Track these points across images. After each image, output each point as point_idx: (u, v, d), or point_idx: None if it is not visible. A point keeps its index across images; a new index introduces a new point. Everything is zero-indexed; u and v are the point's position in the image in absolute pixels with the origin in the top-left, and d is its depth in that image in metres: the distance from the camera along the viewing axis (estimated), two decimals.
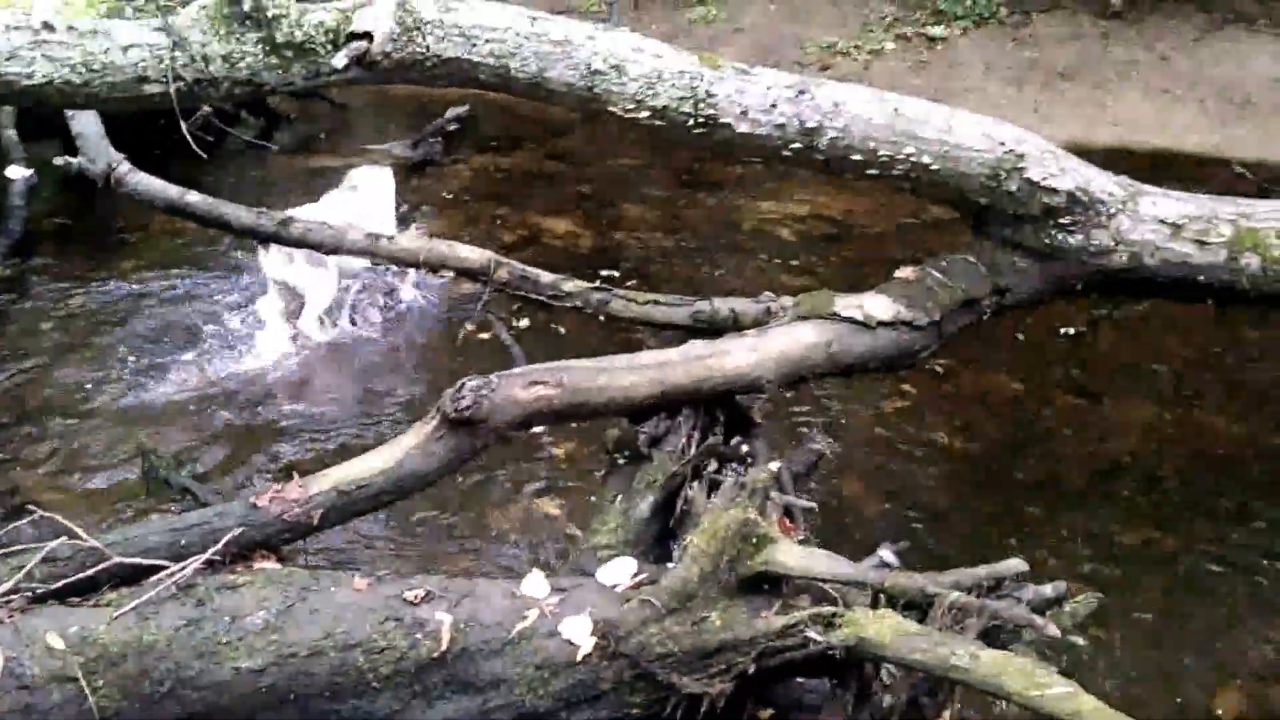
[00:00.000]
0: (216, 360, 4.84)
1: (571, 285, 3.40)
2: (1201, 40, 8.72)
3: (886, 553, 2.67)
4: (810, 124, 3.22)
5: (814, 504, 2.89)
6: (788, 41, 10.16)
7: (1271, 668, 3.10)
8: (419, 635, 2.34)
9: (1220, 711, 2.97)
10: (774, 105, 3.21)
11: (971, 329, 4.95)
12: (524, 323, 5.10)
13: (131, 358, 4.83)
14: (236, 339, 5.07)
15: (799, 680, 2.51)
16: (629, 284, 5.58)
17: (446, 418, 2.59)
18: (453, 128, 8.28)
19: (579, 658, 2.36)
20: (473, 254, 3.41)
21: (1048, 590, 2.29)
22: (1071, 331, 5.11)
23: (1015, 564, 2.31)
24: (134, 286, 5.56)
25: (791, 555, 2.33)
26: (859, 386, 4.52)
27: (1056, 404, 4.56)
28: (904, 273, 3.40)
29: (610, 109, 3.22)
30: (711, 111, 3.22)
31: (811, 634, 2.18)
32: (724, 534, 2.36)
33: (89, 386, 4.60)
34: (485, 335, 4.75)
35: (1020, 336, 5.10)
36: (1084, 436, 4.29)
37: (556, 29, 3.17)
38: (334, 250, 3.54)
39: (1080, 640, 2.25)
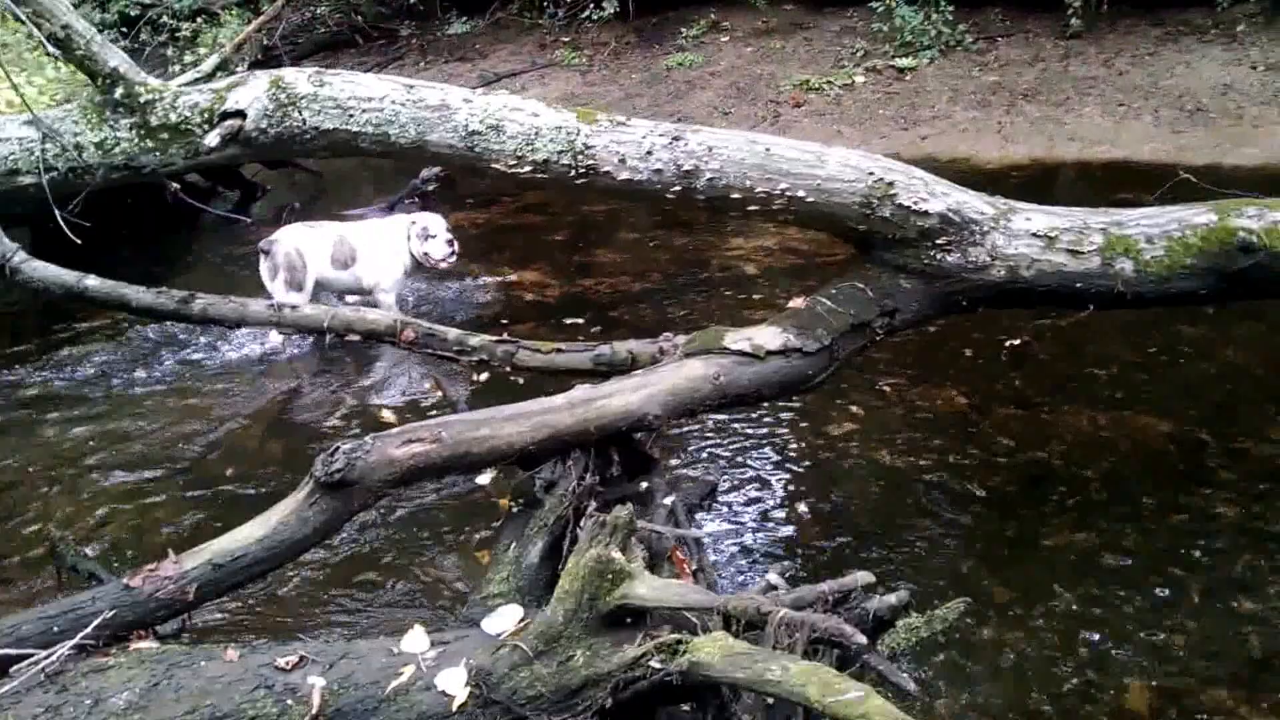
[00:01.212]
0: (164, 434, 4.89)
1: (477, 340, 3.52)
2: (1155, 53, 8.85)
3: (773, 575, 2.74)
4: (687, 167, 3.34)
5: (703, 535, 2.95)
6: (763, 81, 10.36)
7: (1178, 658, 3.13)
8: (290, 701, 2.38)
9: (1131, 705, 2.99)
10: (650, 152, 3.34)
11: (928, 351, 5.16)
12: (484, 376, 5.24)
13: (77, 444, 4.84)
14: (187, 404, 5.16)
15: (685, 708, 2.57)
16: (594, 329, 5.75)
17: (320, 482, 2.68)
18: (430, 188, 8.49)
19: (454, 708, 2.42)
20: (379, 316, 3.54)
21: (892, 599, 2.37)
22: (1016, 343, 5.17)
23: (862, 576, 2.38)
24: (83, 372, 5.62)
25: (646, 588, 2.40)
26: (808, 412, 4.64)
27: (997, 416, 4.60)
28: (795, 303, 3.51)
29: (494, 166, 3.37)
30: (591, 162, 3.36)
31: (654, 663, 2.25)
32: (583, 573, 2.44)
33: (32, 475, 4.59)
34: (484, 376, 4.87)
35: (968, 352, 5.18)
36: (1019, 446, 4.33)
37: (433, 95, 3.32)
38: (238, 324, 3.67)
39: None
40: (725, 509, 4.07)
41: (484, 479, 3.86)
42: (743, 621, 2.31)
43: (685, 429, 4.48)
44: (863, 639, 2.11)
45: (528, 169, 3.32)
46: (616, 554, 2.46)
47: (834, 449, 4.48)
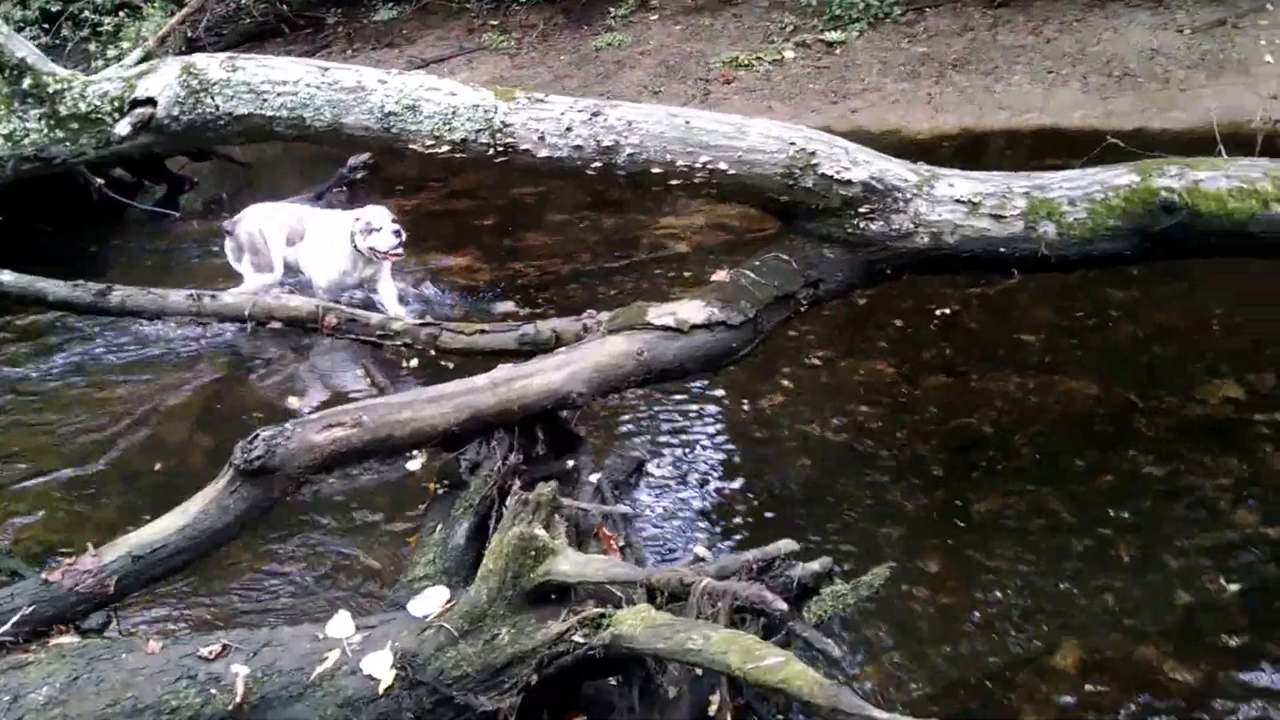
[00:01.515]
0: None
1: (399, 325, 3.50)
2: (1083, 20, 8.91)
3: (701, 549, 2.75)
4: (607, 143, 3.31)
5: (631, 511, 2.94)
6: (692, 59, 10.32)
7: (1107, 618, 3.16)
8: (213, 690, 2.36)
9: (1060, 665, 3.02)
10: (569, 129, 3.30)
11: (857, 322, 5.18)
12: (414, 362, 5.19)
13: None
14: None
15: (612, 681, 2.56)
16: (524, 312, 5.70)
17: (239, 470, 2.62)
18: (358, 176, 8.37)
19: (380, 691, 2.40)
20: (301, 303, 3.48)
21: (815, 566, 2.36)
22: (946, 312, 5.20)
23: (785, 544, 2.38)
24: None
25: (569, 563, 2.38)
26: (738, 385, 4.62)
27: (926, 385, 4.62)
28: (719, 276, 3.50)
29: (411, 147, 3.31)
30: (510, 140, 3.31)
31: (577, 638, 2.23)
32: (506, 551, 2.41)
33: None
34: (414, 362, 4.83)
35: (898, 323, 5.21)
36: (949, 413, 4.35)
37: (348, 77, 3.25)
38: (156, 315, 3.59)
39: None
40: (656, 484, 4.05)
41: (413, 465, 3.83)
42: (666, 593, 2.30)
43: (613, 405, 4.46)
44: (783, 605, 2.11)
45: (446, 148, 3.26)
46: (539, 531, 2.44)
47: (764, 422, 4.48)
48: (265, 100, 3.16)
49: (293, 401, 3.89)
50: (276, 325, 3.53)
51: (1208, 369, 4.43)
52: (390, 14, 12.32)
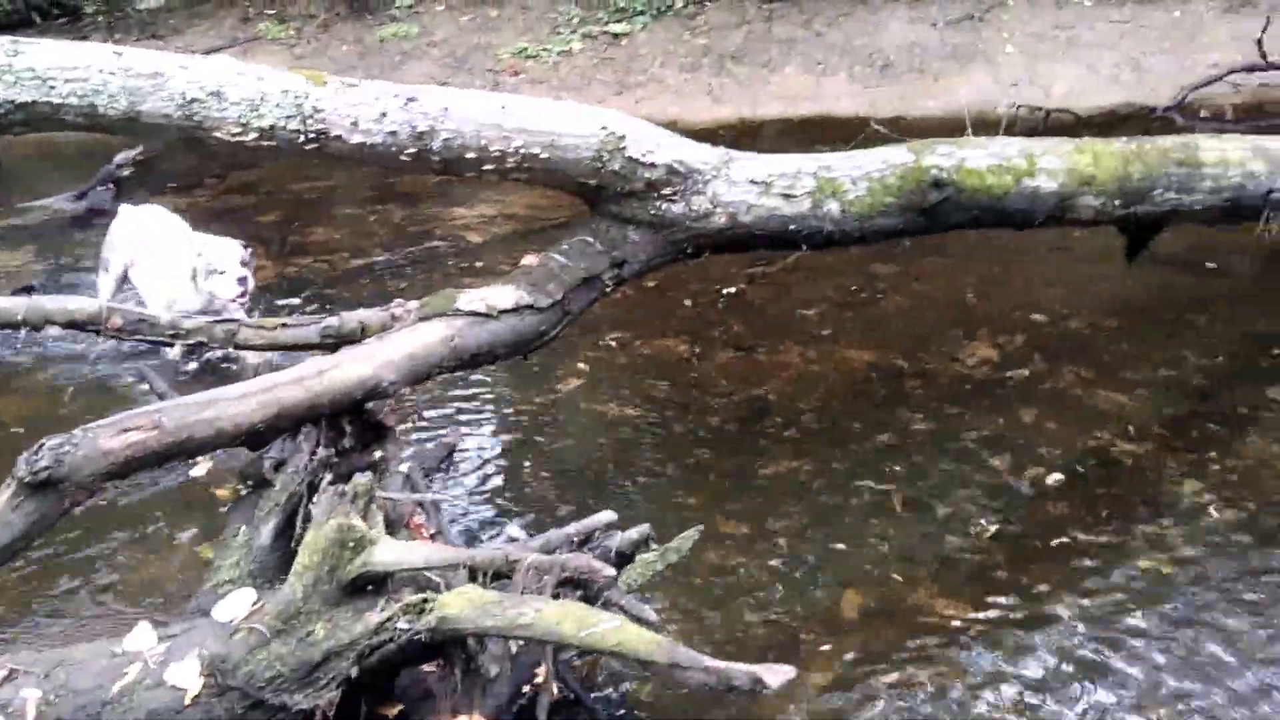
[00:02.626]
0: None
1: (191, 323, 3.34)
2: (849, 14, 9.43)
3: (513, 528, 2.81)
4: (422, 128, 3.30)
5: (441, 498, 2.96)
6: (480, 51, 10.31)
7: (884, 565, 3.40)
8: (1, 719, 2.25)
9: (843, 612, 3.23)
10: (384, 114, 3.28)
11: (650, 303, 5.35)
12: (190, 366, 5.03)
13: None
14: None
15: (429, 669, 2.59)
16: (309, 309, 5.55)
17: (24, 483, 2.47)
18: (125, 173, 7.93)
19: (188, 701, 2.34)
20: (82, 305, 3.28)
21: (633, 534, 2.47)
22: (732, 290, 5.46)
23: (604, 516, 2.48)
24: None
25: (389, 552, 2.39)
26: (537, 369, 4.66)
27: (717, 360, 4.85)
28: (529, 260, 3.56)
29: (216, 135, 3.20)
30: (321, 127, 3.25)
31: (401, 625, 2.25)
32: (323, 545, 2.39)
33: None
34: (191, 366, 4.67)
35: (688, 303, 5.43)
36: (738, 386, 4.58)
37: (146, 62, 3.13)
38: None
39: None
40: (463, 471, 4.09)
41: (199, 470, 3.71)
42: (489, 573, 2.35)
43: (419, 394, 4.46)
44: (612, 571, 2.21)
45: (254, 136, 3.16)
46: (358, 521, 2.43)
47: (564, 404, 4.61)
48: (53, 88, 2.98)
49: None
50: (55, 330, 3.31)
51: (965, 334, 4.83)
52: (156, 2, 11.68)
